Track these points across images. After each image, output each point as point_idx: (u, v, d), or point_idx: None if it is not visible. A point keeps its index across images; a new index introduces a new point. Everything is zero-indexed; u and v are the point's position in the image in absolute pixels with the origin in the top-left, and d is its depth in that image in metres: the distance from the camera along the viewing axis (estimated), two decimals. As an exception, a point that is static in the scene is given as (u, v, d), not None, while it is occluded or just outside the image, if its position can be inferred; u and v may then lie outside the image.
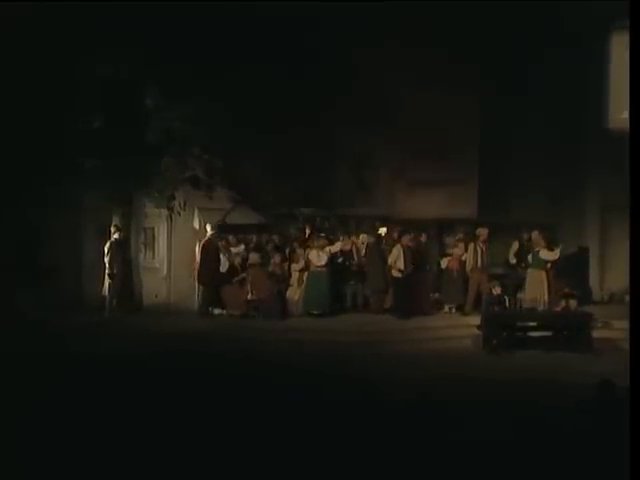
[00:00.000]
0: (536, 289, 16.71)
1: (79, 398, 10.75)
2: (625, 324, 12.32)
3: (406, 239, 17.39)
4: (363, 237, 18.04)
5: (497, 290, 16.04)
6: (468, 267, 17.44)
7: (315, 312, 17.37)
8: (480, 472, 8.48)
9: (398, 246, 17.33)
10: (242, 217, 18.25)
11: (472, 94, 18.36)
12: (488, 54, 17.98)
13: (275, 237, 18.16)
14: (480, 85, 18.31)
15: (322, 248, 17.46)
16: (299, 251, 17.75)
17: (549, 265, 16.79)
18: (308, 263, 17.56)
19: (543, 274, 16.83)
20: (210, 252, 17.58)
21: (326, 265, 17.45)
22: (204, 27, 15.77)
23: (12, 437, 9.30)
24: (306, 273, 17.51)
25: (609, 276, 18.47)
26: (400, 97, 17.98)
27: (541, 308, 16.12)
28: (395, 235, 17.85)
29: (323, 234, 17.87)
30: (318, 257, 17.43)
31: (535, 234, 16.92)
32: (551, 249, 16.76)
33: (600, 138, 18.43)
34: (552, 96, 18.10)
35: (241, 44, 16.19)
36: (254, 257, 17.50)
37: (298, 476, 8.57)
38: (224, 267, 17.63)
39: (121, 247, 17.72)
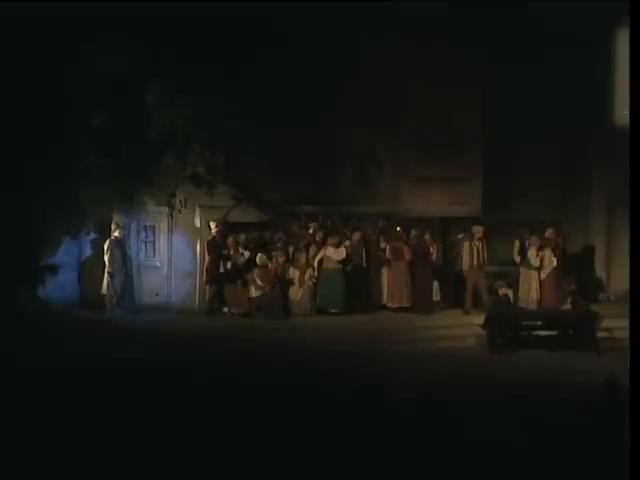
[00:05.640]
0: (525, 288, 17.07)
1: (79, 398, 10.70)
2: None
3: (357, 235, 17.55)
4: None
5: (503, 291, 16.03)
6: (465, 266, 17.43)
7: (332, 310, 17.40)
8: (484, 471, 8.46)
9: (346, 243, 17.55)
10: (244, 215, 18.20)
11: (476, 92, 18.28)
12: (491, 51, 17.93)
13: (279, 235, 18.09)
14: (484, 83, 18.24)
15: (337, 247, 17.45)
16: (301, 250, 17.70)
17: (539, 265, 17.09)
18: (310, 262, 17.52)
19: (534, 274, 17.10)
20: (216, 250, 17.55)
21: (342, 261, 17.44)
22: (206, 25, 15.70)
23: (12, 437, 9.22)
24: (308, 272, 17.46)
25: (615, 275, 18.44)
26: (404, 95, 17.97)
27: (527, 306, 16.56)
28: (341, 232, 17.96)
29: (334, 233, 17.83)
30: (336, 252, 17.42)
31: (549, 232, 17.35)
32: (537, 254, 17.08)
33: (606, 136, 18.40)
34: (557, 94, 18.08)
35: (242, 42, 16.13)
36: (262, 258, 17.42)
37: (300, 475, 8.50)
38: (228, 266, 17.59)
39: (121, 245, 17.70)
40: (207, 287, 17.82)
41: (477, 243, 17.44)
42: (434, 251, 17.85)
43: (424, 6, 17.27)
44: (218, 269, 17.59)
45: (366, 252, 17.78)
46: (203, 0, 15.49)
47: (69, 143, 15.57)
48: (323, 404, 10.70)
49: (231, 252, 17.70)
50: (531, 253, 17.15)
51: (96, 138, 15.85)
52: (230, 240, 17.82)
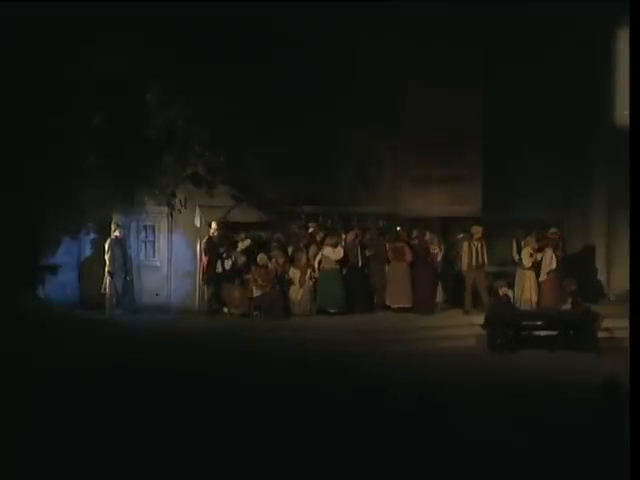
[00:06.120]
0: (519, 288, 17.13)
1: (79, 398, 10.69)
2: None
3: (351, 235, 17.60)
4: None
5: (504, 291, 16.02)
6: (464, 266, 17.46)
7: (331, 310, 17.40)
8: (484, 471, 8.44)
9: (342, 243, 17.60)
10: (244, 215, 18.19)
11: (476, 92, 18.28)
12: (492, 51, 17.93)
13: (278, 235, 18.09)
14: (484, 83, 18.25)
15: (335, 246, 17.44)
16: (301, 250, 17.70)
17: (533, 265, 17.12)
18: (310, 262, 17.52)
19: (528, 273, 17.13)
20: (214, 250, 17.55)
21: (340, 262, 17.43)
22: (206, 25, 15.69)
23: (12, 437, 9.21)
24: (309, 272, 17.47)
25: (615, 275, 18.43)
26: (404, 95, 17.97)
27: (521, 306, 16.65)
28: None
29: (329, 232, 17.81)
30: (334, 252, 17.40)
31: (551, 232, 17.34)
32: (531, 254, 17.07)
33: (606, 136, 18.40)
34: (557, 94, 18.07)
35: (242, 42, 16.12)
36: (262, 257, 17.40)
37: (300, 475, 8.50)
38: (227, 266, 17.59)
39: (121, 245, 17.70)
40: (206, 287, 17.82)
41: (476, 243, 17.44)
42: (440, 252, 17.85)
43: (424, 6, 17.26)
44: (215, 269, 17.58)
45: (367, 252, 17.77)
46: (203, 0, 15.49)
47: (69, 143, 15.57)
48: (323, 404, 10.69)
49: (231, 252, 17.68)
50: (524, 253, 17.16)
51: (96, 138, 15.85)
52: (230, 240, 17.83)
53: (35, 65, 14.77)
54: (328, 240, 17.54)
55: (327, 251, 17.49)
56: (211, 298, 17.71)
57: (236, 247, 17.77)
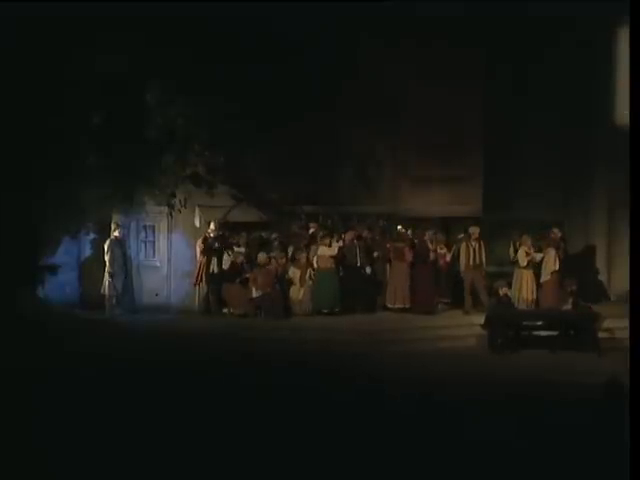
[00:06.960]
0: (516, 287, 17.14)
1: (79, 398, 10.69)
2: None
3: (350, 235, 17.57)
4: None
5: (504, 291, 16.02)
6: (462, 266, 17.48)
7: (325, 311, 17.35)
8: (484, 471, 8.43)
9: (340, 243, 17.59)
10: (244, 215, 18.18)
11: (476, 92, 18.29)
12: (492, 51, 17.94)
13: (277, 235, 18.08)
14: (484, 83, 18.26)
15: (329, 245, 17.41)
16: (302, 250, 17.68)
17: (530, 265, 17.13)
18: (310, 262, 17.51)
19: (525, 272, 17.16)
20: (211, 250, 17.52)
21: (336, 262, 17.40)
22: (206, 25, 15.69)
23: (13, 438, 9.21)
24: (309, 272, 17.47)
25: (616, 275, 18.43)
26: (404, 95, 17.98)
27: (518, 305, 16.66)
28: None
29: (326, 232, 17.78)
30: (329, 249, 17.37)
31: (554, 232, 17.34)
32: (528, 254, 17.08)
33: (606, 136, 18.40)
34: (557, 94, 18.08)
35: (242, 42, 16.12)
36: (262, 257, 17.38)
37: (300, 476, 8.49)
38: (226, 265, 17.57)
39: (121, 245, 17.70)
40: (200, 287, 17.78)
41: (473, 244, 17.47)
42: (450, 252, 17.84)
43: (424, 6, 17.28)
44: (209, 270, 17.55)
45: (367, 252, 17.74)
46: (203, 0, 15.49)
47: (69, 143, 15.56)
48: (323, 404, 10.69)
49: (230, 252, 17.66)
50: (520, 253, 17.17)
51: (96, 138, 15.84)
52: (229, 240, 17.81)
53: (35, 65, 14.76)
54: (323, 239, 17.50)
55: (321, 250, 17.45)
56: (206, 298, 17.68)
57: (232, 248, 17.72)
